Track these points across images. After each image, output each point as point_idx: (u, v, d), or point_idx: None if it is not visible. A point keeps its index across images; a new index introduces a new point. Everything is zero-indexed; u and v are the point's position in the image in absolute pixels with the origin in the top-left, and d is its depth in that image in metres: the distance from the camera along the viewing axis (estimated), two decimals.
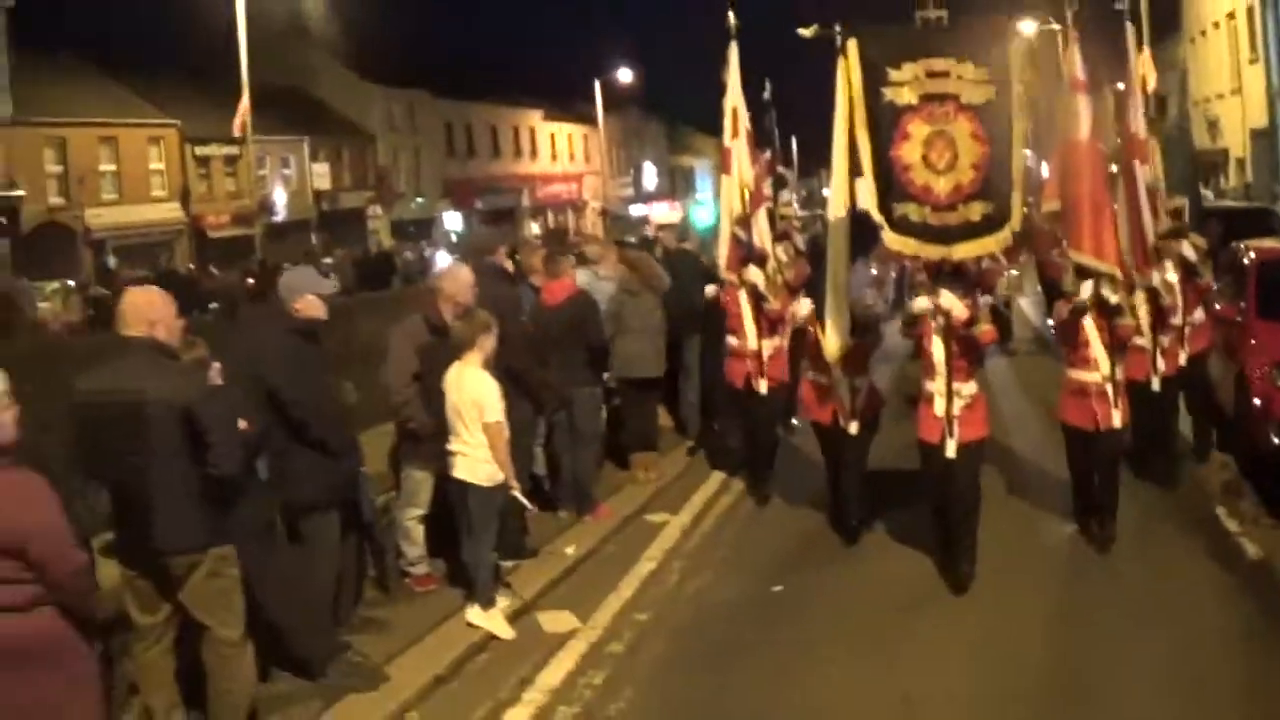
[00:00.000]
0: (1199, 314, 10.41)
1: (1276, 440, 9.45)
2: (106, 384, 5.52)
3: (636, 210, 69.62)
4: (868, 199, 8.16)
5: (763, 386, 10.41)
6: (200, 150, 42.98)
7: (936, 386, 8.14)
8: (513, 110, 65.05)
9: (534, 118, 67.54)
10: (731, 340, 10.63)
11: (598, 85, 64.82)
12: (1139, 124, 10.54)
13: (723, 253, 10.71)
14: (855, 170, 8.36)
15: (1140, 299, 9.55)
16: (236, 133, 33.53)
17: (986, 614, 7.69)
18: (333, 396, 6.99)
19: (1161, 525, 9.26)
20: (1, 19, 35.97)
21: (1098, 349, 8.65)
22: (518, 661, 7.26)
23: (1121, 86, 11.80)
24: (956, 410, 8.06)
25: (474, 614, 7.63)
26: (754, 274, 10.34)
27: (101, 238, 38.24)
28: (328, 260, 32.28)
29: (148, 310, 5.65)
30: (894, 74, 8.06)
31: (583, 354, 10.12)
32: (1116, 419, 8.68)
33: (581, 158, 72.23)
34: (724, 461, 11.69)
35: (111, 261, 36.16)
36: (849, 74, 8.16)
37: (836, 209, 8.94)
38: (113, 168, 40.26)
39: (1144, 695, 6.38)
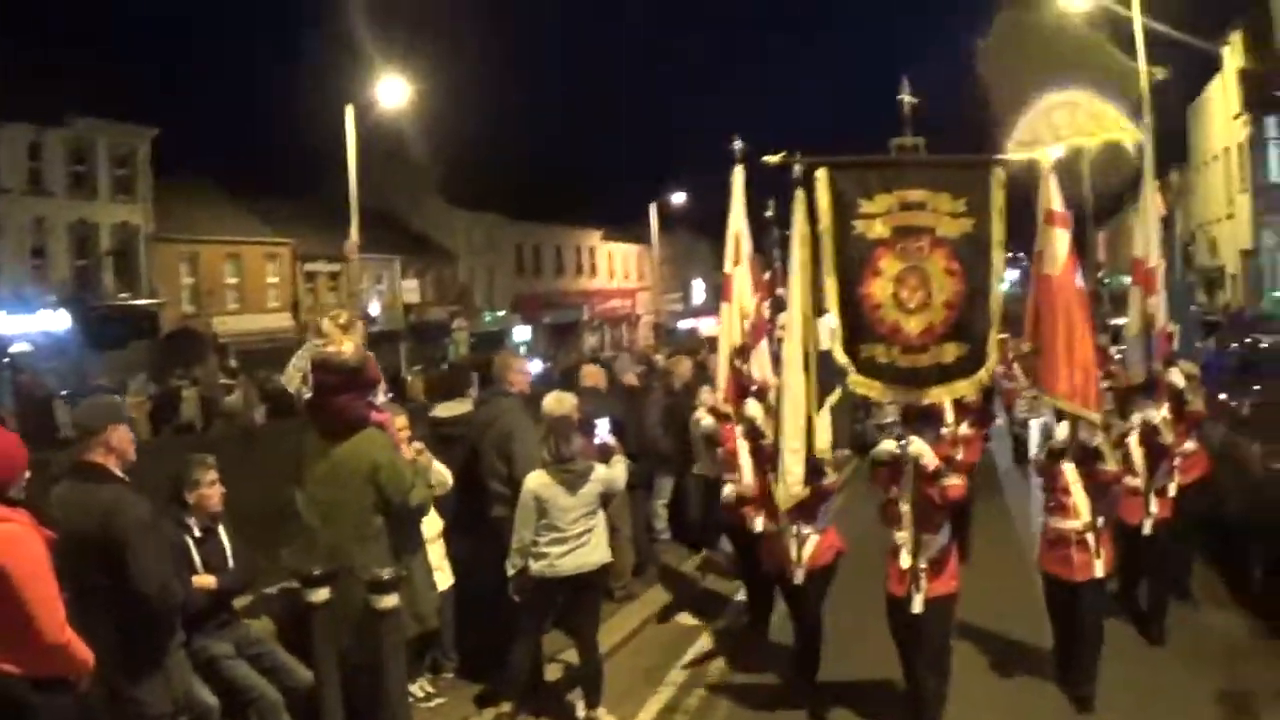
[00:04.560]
0: (1190, 444, 9.99)
1: None
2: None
3: (685, 324, 73.69)
4: (832, 339, 7.61)
5: (758, 525, 9.17)
6: (309, 266, 48.91)
7: (902, 538, 7.64)
8: (576, 231, 70.37)
9: (594, 238, 72.53)
10: (727, 476, 9.86)
11: (652, 208, 68.39)
12: (1150, 250, 10.38)
13: (720, 385, 10.05)
14: (818, 308, 7.80)
15: (1135, 438, 9.13)
16: (350, 256, 38.65)
17: None
18: None
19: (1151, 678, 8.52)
20: (147, 147, 42.18)
21: (1078, 495, 8.11)
22: None
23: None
24: (923, 563, 7.55)
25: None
26: (752, 408, 9.35)
27: (226, 342, 43.53)
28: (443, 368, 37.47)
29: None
30: (866, 205, 7.50)
31: None
32: (1099, 568, 8.08)
33: (635, 275, 76.59)
34: None
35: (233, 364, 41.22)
36: (819, 206, 7.57)
37: (793, 349, 7.84)
38: (236, 281, 46.22)
39: None
